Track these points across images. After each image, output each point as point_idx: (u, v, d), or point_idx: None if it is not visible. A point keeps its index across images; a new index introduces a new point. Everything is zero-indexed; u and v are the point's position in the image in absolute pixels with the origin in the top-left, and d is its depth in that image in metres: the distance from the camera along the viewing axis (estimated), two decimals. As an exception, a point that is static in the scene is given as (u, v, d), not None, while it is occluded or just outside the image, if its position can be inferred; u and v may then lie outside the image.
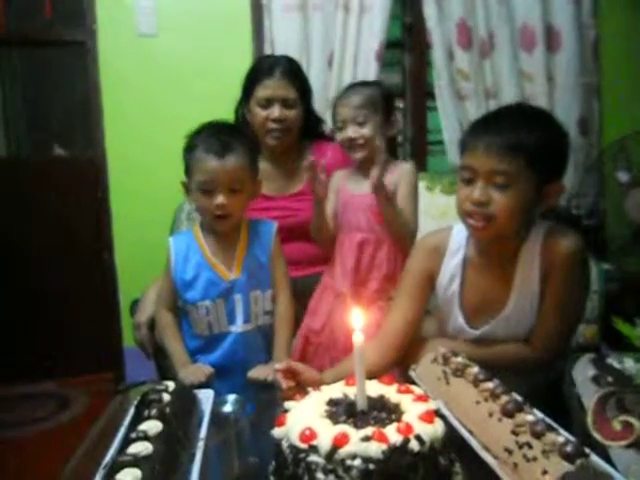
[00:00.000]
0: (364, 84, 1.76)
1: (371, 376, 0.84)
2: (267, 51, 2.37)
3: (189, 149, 1.34)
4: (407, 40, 2.62)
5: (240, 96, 1.81)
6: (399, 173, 1.62)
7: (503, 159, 1.07)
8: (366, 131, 1.60)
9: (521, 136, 1.07)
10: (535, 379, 1.13)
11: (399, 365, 1.24)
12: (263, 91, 1.71)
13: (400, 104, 2.67)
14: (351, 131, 1.59)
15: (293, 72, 1.76)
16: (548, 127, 1.13)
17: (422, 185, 2.13)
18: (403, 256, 1.59)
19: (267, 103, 1.71)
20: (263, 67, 1.75)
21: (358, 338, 0.77)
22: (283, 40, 2.32)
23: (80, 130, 2.74)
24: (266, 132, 1.73)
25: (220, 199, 1.28)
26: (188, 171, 1.34)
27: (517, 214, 1.10)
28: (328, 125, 1.96)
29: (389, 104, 1.67)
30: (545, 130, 1.11)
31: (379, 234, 1.60)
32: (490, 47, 2.40)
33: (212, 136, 1.31)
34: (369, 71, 2.35)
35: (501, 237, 1.14)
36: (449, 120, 2.42)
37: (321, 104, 2.16)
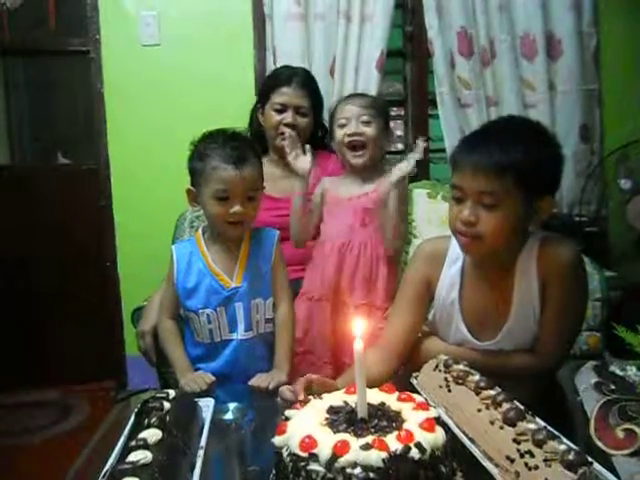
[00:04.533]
0: (364, 94, 1.79)
1: (375, 385, 0.84)
2: (269, 60, 2.38)
3: (199, 157, 1.33)
4: (408, 49, 2.62)
5: (256, 99, 1.95)
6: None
7: (490, 180, 1.07)
8: (370, 130, 1.60)
9: (508, 155, 1.07)
10: (535, 387, 1.13)
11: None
12: (280, 97, 1.84)
13: (402, 112, 2.68)
14: (354, 127, 1.59)
15: (309, 84, 1.89)
16: (536, 143, 1.11)
17: (424, 192, 2.13)
18: (388, 261, 1.60)
19: (282, 108, 1.83)
20: (282, 75, 1.89)
21: (358, 346, 0.77)
22: (285, 49, 2.33)
23: (83, 139, 2.75)
24: (277, 134, 1.84)
25: (237, 207, 1.29)
26: (197, 179, 1.33)
27: (506, 232, 1.10)
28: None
29: (387, 116, 1.69)
30: (533, 147, 1.10)
31: (362, 239, 1.60)
32: (491, 55, 2.41)
33: (227, 145, 1.31)
34: (370, 80, 2.36)
35: (492, 254, 1.15)
36: (451, 128, 2.43)
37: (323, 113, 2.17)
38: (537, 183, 1.09)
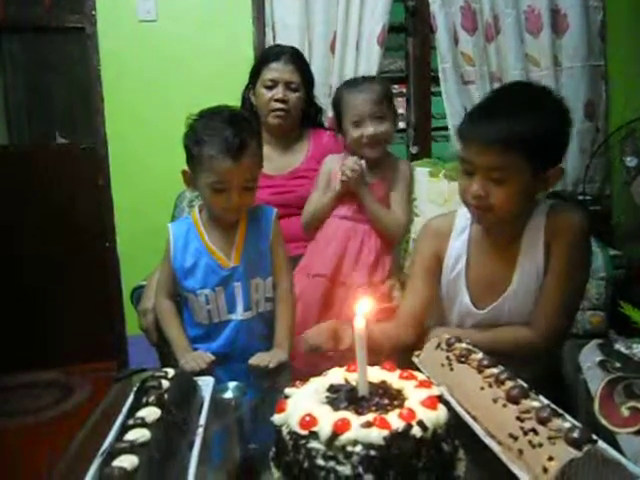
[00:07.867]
0: (370, 79, 1.75)
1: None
2: (268, 36, 2.34)
3: (196, 141, 1.25)
4: (410, 24, 2.58)
5: (248, 80, 1.91)
6: (396, 170, 1.64)
7: (499, 155, 1.07)
8: (385, 126, 1.60)
9: (516, 130, 1.05)
10: (538, 365, 1.12)
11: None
12: (269, 73, 1.82)
13: (403, 89, 2.64)
14: (372, 128, 1.58)
15: (298, 60, 1.87)
16: (544, 113, 1.09)
17: (425, 171, 2.10)
18: (389, 248, 1.60)
19: (272, 84, 1.81)
20: (271, 53, 1.89)
21: (359, 324, 0.76)
22: (284, 24, 2.30)
23: (81, 118, 2.72)
24: (269, 111, 1.83)
25: (234, 199, 1.25)
26: (193, 162, 1.28)
27: (517, 202, 1.11)
28: (327, 114, 2.00)
29: (394, 102, 1.68)
30: (541, 117, 1.08)
31: (368, 225, 1.60)
32: (495, 31, 2.37)
33: (225, 131, 1.23)
34: (372, 56, 2.32)
35: (503, 222, 1.16)
36: (453, 105, 2.39)
37: (323, 89, 2.14)
38: (546, 155, 1.09)
